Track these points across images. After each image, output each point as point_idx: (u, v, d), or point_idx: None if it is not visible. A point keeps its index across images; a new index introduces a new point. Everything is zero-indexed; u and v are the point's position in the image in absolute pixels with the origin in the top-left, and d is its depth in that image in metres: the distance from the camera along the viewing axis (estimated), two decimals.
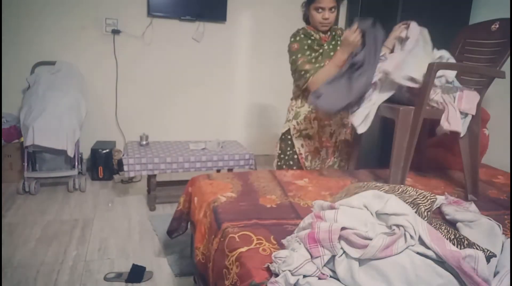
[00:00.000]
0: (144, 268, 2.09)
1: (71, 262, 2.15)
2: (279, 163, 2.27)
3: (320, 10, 2.01)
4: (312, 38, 2.09)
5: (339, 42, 2.11)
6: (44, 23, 3.39)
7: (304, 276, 1.04)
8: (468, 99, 1.83)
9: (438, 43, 2.52)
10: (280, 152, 2.25)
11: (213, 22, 3.81)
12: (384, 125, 2.68)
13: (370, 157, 2.92)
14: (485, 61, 2.01)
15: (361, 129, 1.86)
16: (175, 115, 3.91)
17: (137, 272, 2.05)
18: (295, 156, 2.21)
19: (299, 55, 2.06)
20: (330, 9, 2.01)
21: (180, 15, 3.67)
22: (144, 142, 3.12)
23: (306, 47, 2.07)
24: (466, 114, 1.84)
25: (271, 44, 4.02)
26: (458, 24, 2.74)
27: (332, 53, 2.08)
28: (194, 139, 3.38)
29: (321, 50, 2.09)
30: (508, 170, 2.42)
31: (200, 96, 3.94)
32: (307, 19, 2.14)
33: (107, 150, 3.48)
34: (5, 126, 3.22)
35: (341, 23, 3.59)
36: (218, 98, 4.03)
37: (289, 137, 2.21)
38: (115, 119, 3.74)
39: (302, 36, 2.08)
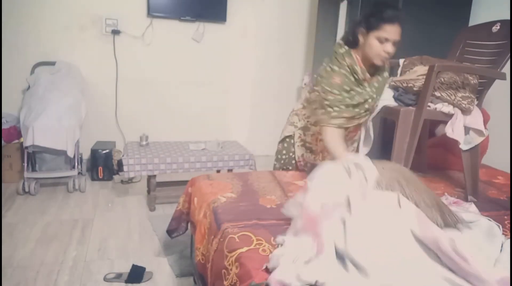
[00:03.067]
0: (144, 268, 2.09)
1: (71, 263, 2.15)
2: (277, 165, 2.25)
3: (383, 41, 1.67)
4: (356, 77, 1.76)
5: (380, 78, 1.85)
6: (44, 23, 3.39)
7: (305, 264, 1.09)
8: (474, 114, 1.85)
9: (438, 43, 2.51)
10: (279, 153, 2.23)
11: (213, 23, 3.80)
12: (384, 126, 2.68)
13: (370, 157, 2.91)
14: (485, 63, 2.01)
15: (366, 145, 2.02)
16: (175, 115, 3.90)
17: (137, 273, 2.05)
18: (293, 162, 2.17)
19: (336, 92, 1.75)
20: (395, 42, 1.68)
21: (180, 15, 3.67)
22: (144, 143, 3.12)
23: (348, 88, 1.75)
24: (469, 129, 1.85)
25: (271, 45, 4.03)
26: (458, 24, 2.74)
27: (373, 93, 1.82)
28: (194, 140, 3.37)
29: (360, 90, 1.79)
30: (508, 170, 2.42)
31: (200, 96, 3.94)
32: (354, 42, 1.76)
33: (107, 151, 3.48)
34: (5, 126, 3.22)
35: (341, 23, 3.58)
36: (218, 98, 4.02)
37: (287, 140, 2.17)
38: (115, 119, 3.74)
39: (347, 73, 1.75)
